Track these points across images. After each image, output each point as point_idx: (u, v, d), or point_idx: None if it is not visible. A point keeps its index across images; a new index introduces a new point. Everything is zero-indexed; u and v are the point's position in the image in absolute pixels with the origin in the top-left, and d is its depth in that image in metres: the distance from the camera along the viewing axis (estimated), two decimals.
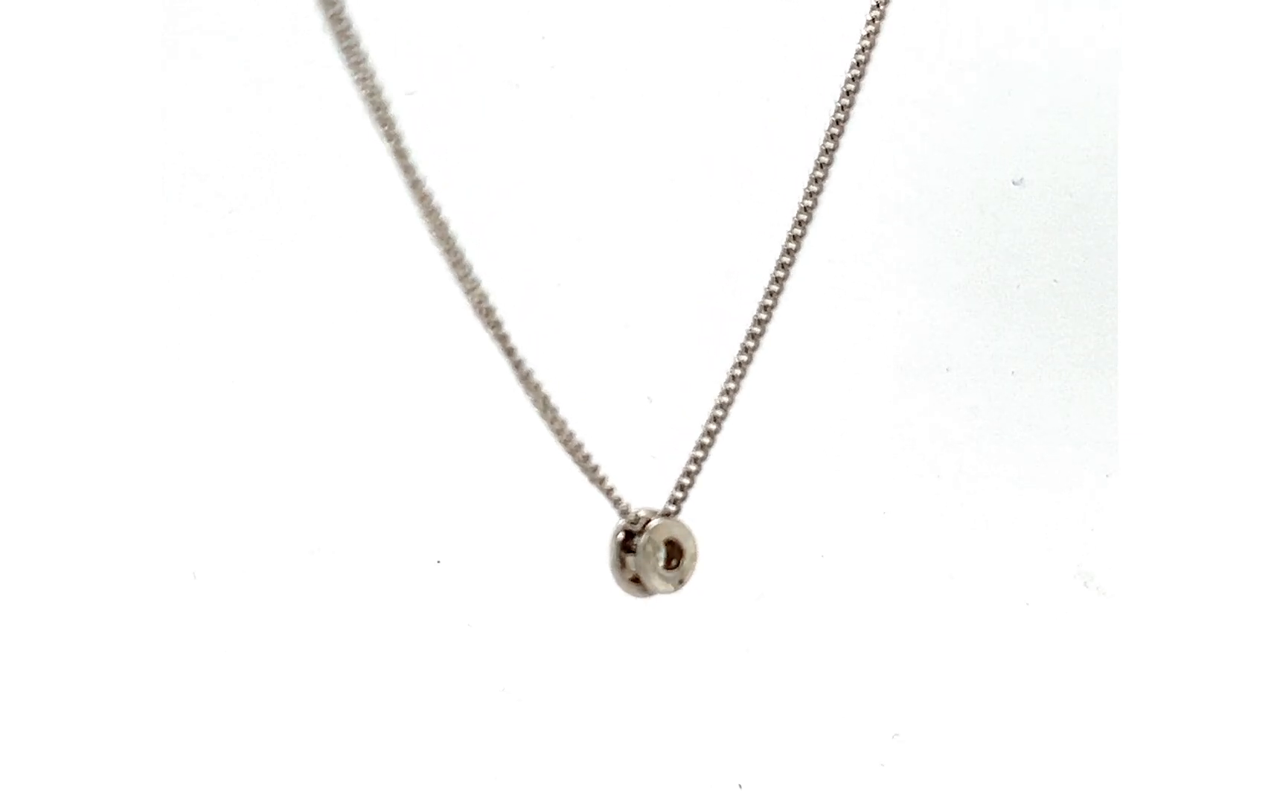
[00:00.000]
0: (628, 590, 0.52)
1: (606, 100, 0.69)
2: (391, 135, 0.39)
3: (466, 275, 0.44)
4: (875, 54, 0.72)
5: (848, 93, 0.61)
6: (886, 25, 0.74)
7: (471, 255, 0.65)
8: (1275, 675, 0.44)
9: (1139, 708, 0.45)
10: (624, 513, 0.52)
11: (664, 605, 0.54)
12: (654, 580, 0.50)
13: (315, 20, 0.66)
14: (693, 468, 0.52)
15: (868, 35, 0.56)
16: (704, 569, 0.56)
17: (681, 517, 0.51)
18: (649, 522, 0.50)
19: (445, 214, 0.36)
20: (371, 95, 0.33)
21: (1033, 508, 0.59)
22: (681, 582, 0.50)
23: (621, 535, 0.52)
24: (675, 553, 0.51)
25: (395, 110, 0.32)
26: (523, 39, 0.69)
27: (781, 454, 0.59)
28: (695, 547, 0.50)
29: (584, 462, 0.50)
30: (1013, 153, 0.69)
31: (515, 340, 0.47)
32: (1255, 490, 0.45)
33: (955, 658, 0.55)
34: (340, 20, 0.31)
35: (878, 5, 0.50)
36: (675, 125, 0.69)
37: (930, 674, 0.54)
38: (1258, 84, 0.46)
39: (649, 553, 0.49)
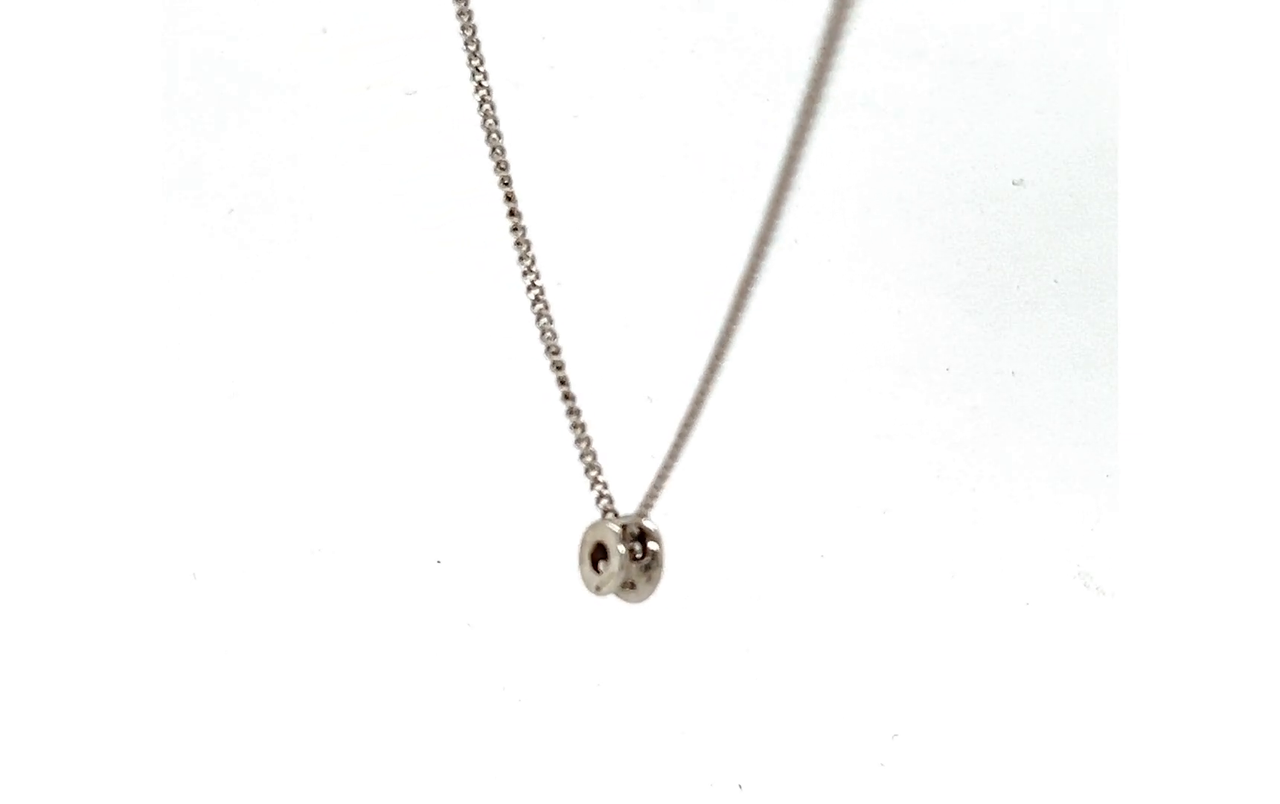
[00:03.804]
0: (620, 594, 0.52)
1: (607, 100, 0.69)
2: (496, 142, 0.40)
3: (533, 282, 0.44)
4: (869, 56, 0.72)
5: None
6: (886, 27, 0.74)
7: (472, 255, 0.65)
8: (1275, 675, 0.44)
9: (1139, 708, 0.45)
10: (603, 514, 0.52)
11: (664, 606, 0.54)
12: (585, 580, 0.49)
13: (314, 20, 0.66)
14: (665, 471, 0.51)
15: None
16: (705, 569, 0.56)
17: (652, 518, 0.50)
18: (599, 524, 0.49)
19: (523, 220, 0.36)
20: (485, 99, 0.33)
21: (1033, 508, 0.59)
22: (599, 587, 0.49)
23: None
24: (601, 555, 0.50)
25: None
26: (523, 39, 0.69)
27: (781, 454, 0.59)
28: (620, 551, 0.48)
29: (590, 461, 0.50)
30: (1013, 153, 0.69)
31: (557, 340, 0.46)
32: (1254, 490, 0.45)
33: (955, 658, 0.55)
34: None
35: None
36: (675, 125, 0.69)
37: (930, 674, 0.54)
38: (1257, 84, 0.46)
39: (580, 556, 0.49)
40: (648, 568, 0.49)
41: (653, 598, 0.51)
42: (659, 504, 0.55)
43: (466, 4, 0.38)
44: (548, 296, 0.62)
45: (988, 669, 0.55)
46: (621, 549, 0.48)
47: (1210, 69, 0.47)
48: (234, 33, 0.69)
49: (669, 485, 0.57)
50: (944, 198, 0.67)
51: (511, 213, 0.48)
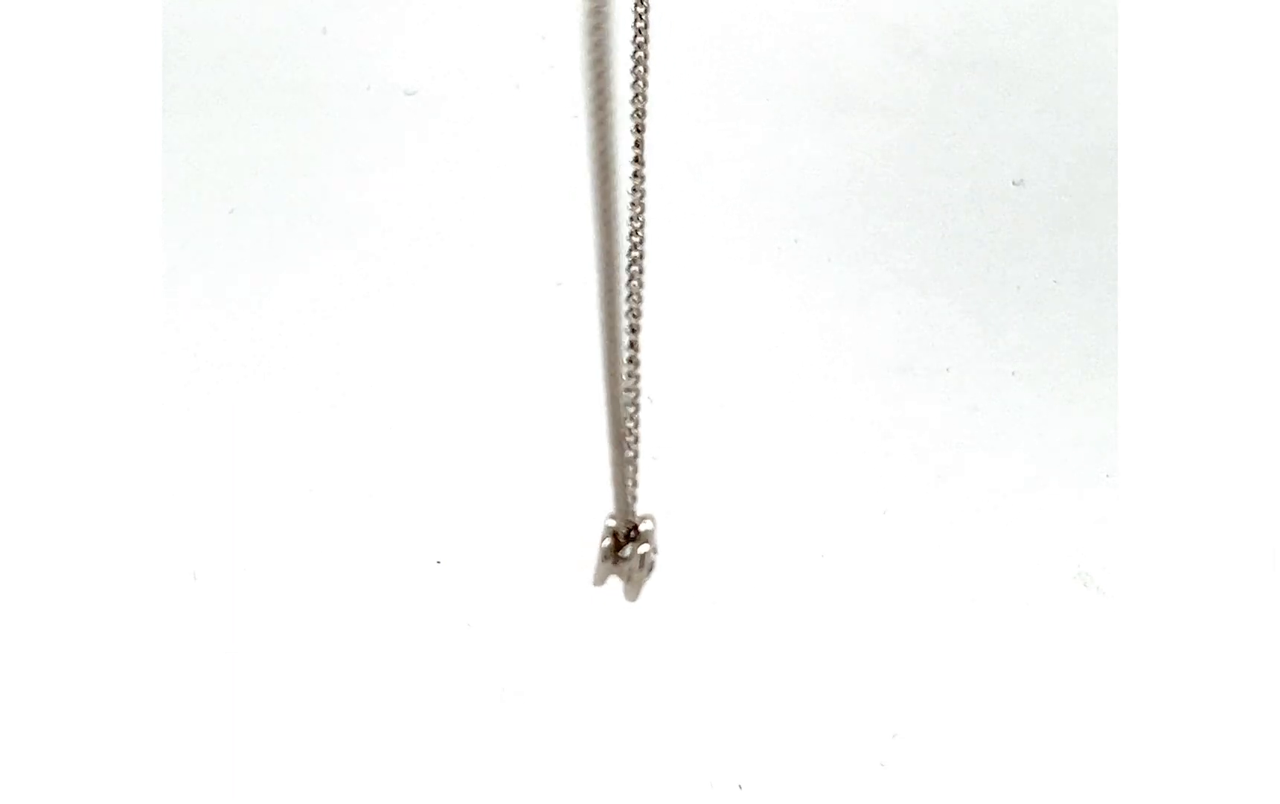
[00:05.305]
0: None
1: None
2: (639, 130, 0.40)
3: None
4: (869, 56, 0.72)
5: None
6: (886, 26, 0.74)
7: (472, 254, 0.65)
8: (1275, 675, 0.44)
9: (1138, 708, 0.45)
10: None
11: (665, 605, 0.54)
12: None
13: (314, 20, 0.66)
14: (634, 472, 0.50)
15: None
16: (707, 569, 0.56)
17: (651, 518, 0.50)
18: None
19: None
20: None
21: (1033, 508, 0.59)
22: (594, 580, 0.49)
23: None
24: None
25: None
26: (523, 39, 0.69)
27: (782, 454, 0.59)
28: (604, 546, 0.48)
29: (630, 459, 0.49)
30: (1013, 153, 0.69)
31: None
32: (1254, 490, 0.45)
33: (955, 657, 0.55)
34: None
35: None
36: (675, 125, 0.69)
37: (930, 674, 0.54)
38: (1257, 84, 0.46)
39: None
40: (640, 567, 0.49)
41: (654, 598, 0.51)
42: (662, 503, 0.55)
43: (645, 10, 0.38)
44: (547, 297, 0.62)
45: (987, 669, 0.55)
46: (607, 544, 0.48)
47: (1210, 69, 0.47)
48: (234, 33, 0.69)
49: (671, 485, 0.57)
50: (944, 198, 0.67)
51: (634, 204, 0.48)
